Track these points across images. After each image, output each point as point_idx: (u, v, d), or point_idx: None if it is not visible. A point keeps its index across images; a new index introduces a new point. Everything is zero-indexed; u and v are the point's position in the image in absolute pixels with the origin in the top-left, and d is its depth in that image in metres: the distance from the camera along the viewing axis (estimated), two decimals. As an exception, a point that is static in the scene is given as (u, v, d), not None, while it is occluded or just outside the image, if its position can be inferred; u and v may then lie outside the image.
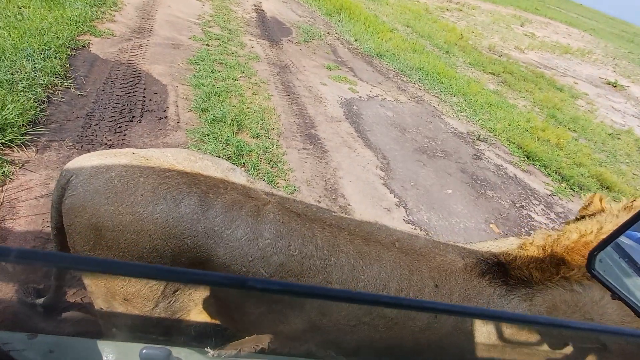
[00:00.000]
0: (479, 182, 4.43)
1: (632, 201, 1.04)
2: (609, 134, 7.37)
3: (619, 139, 7.32)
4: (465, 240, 3.51)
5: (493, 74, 9.11)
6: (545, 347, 1.11)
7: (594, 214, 1.07)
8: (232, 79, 4.92)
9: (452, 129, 5.60)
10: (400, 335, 1.19)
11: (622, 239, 0.81)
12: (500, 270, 1.24)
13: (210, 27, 6.64)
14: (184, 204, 1.09)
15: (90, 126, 3.30)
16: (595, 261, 0.75)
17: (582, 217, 1.09)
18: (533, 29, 17.67)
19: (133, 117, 3.61)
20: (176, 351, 0.42)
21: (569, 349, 1.10)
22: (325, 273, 1.14)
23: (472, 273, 1.22)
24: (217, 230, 1.10)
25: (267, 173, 3.43)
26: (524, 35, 15.54)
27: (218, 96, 4.37)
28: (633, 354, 1.06)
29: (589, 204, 1.09)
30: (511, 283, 1.19)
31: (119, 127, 3.43)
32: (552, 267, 1.14)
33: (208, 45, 5.76)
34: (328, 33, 8.68)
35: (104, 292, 1.18)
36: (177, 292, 1.27)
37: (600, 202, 1.08)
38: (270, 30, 7.71)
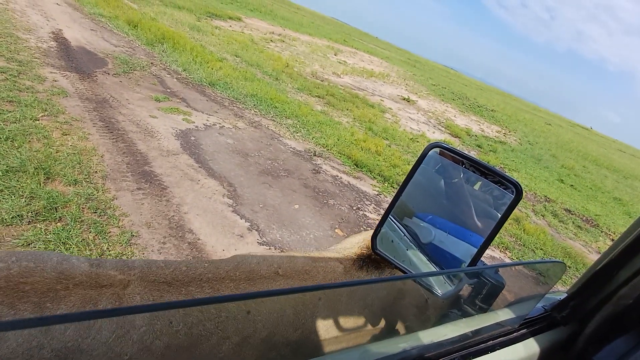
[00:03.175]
0: (320, 193, 4.86)
1: None
2: (411, 139, 9.22)
3: (417, 141, 9.24)
4: (317, 249, 3.79)
5: (319, 97, 10.25)
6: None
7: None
8: (31, 119, 4.08)
9: (291, 149, 6.01)
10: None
11: (402, 222, 1.03)
12: (372, 259, 1.41)
13: (-11, 58, 5.36)
14: (11, 331, 0.81)
15: None
16: (376, 242, 0.93)
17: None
18: (344, 57, 20.74)
19: None
20: None
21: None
22: (219, 331, 1.05)
23: (352, 271, 1.34)
24: (71, 346, 0.86)
25: (94, 223, 2.95)
26: (338, 62, 18.08)
27: (11, 141, 3.55)
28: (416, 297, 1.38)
29: None
30: (382, 267, 1.38)
31: None
32: None
33: (-12, 81, 4.64)
34: (152, 63, 8.17)
35: None
36: None
37: None
38: (79, 61, 6.75)
